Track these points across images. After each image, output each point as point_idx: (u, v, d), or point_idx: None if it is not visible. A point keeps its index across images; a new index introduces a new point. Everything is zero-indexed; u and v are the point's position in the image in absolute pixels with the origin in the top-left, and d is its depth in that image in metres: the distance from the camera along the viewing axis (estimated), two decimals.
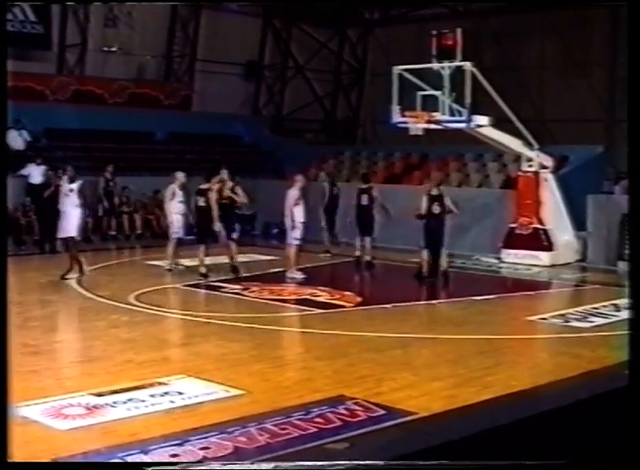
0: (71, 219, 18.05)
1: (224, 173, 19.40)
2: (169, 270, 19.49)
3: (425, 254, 18.97)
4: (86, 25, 31.29)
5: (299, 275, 18.66)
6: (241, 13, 34.33)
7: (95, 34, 31.60)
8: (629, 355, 6.19)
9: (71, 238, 18.18)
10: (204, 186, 18.83)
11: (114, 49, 31.88)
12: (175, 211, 19.87)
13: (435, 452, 6.42)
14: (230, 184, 19.20)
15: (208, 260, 19.03)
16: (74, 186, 18.13)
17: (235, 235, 19.35)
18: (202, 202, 18.73)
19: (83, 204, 18.36)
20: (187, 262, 19.83)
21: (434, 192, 19.03)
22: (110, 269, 20.44)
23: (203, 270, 18.70)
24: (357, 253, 21.51)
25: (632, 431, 5.79)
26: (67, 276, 17.97)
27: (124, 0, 31.00)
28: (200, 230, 19.01)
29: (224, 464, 7.30)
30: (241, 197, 19.34)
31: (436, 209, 18.71)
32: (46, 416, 8.93)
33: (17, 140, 27.10)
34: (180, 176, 20.00)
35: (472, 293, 17.51)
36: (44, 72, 30.61)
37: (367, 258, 21.23)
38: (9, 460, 5.44)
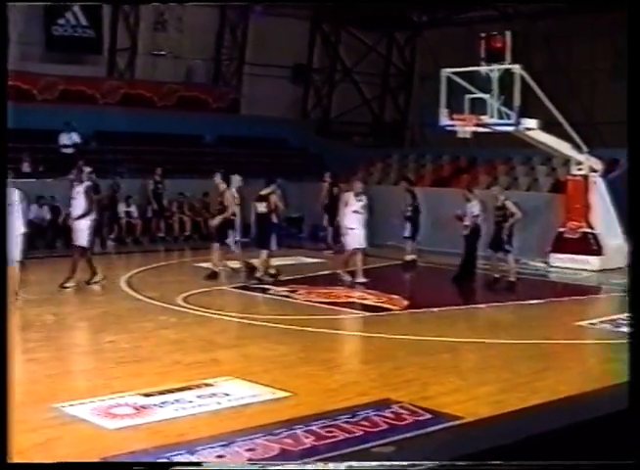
0: (80, 225, 17.67)
1: (217, 177, 19.36)
2: (235, 271, 19.45)
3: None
4: (136, 29, 31.52)
5: (347, 278, 18.66)
6: (289, 16, 34.38)
7: (145, 38, 31.82)
8: (630, 364, 6.13)
9: (82, 247, 17.69)
10: (264, 192, 18.85)
11: (163, 53, 32.07)
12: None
13: (483, 457, 6.39)
14: (223, 187, 19.12)
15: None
16: (81, 188, 17.77)
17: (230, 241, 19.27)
18: (262, 207, 18.74)
19: (90, 208, 17.81)
20: (235, 265, 19.91)
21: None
22: (158, 271, 20.56)
23: (272, 271, 18.98)
24: (408, 257, 21.59)
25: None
26: (92, 281, 17.66)
27: (171, 0, 31.16)
28: (260, 235, 19.02)
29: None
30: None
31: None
32: (95, 415, 9.00)
33: (67, 142, 27.34)
34: (236, 180, 20.09)
35: (520, 297, 17.43)
36: (95, 76, 30.88)
37: (413, 257, 21.40)
38: (9, 461, 5.47)
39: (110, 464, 7.18)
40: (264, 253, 18.78)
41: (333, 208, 24.14)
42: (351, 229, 18.72)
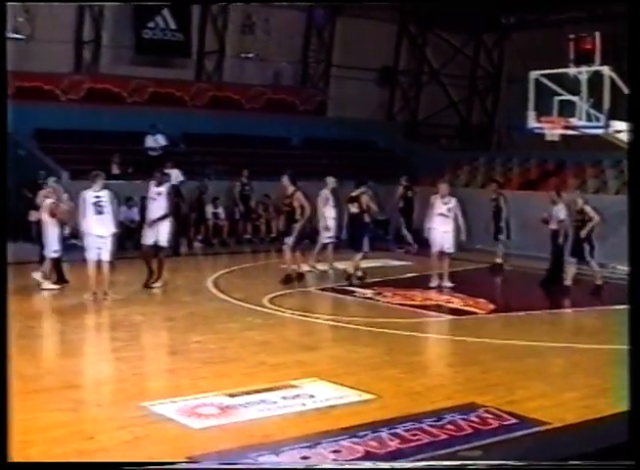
0: (160, 227, 17.65)
1: (285, 179, 18.86)
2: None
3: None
4: (224, 32, 31.79)
5: (436, 283, 18.54)
6: (376, 19, 34.36)
7: (233, 41, 32.06)
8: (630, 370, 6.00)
9: (160, 247, 17.74)
10: (355, 193, 18.90)
11: (251, 55, 32.30)
12: (330, 216, 20.11)
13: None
14: (291, 189, 18.76)
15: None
16: (162, 189, 17.85)
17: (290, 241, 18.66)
18: (354, 208, 18.81)
19: (172, 209, 17.97)
20: (322, 267, 20.06)
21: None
22: (244, 272, 20.69)
23: (359, 274, 19.01)
24: (498, 259, 21.51)
25: None
26: (152, 284, 17.59)
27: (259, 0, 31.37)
28: (353, 237, 19.09)
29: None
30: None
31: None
32: (181, 415, 9.10)
33: (152, 145, 27.65)
34: (331, 181, 20.23)
35: (608, 302, 17.19)
36: (183, 79, 31.23)
37: (500, 260, 21.29)
38: (9, 460, 5.53)
39: (100, 464, 7.24)
40: (359, 255, 18.80)
41: (408, 211, 24.45)
42: (437, 231, 18.64)
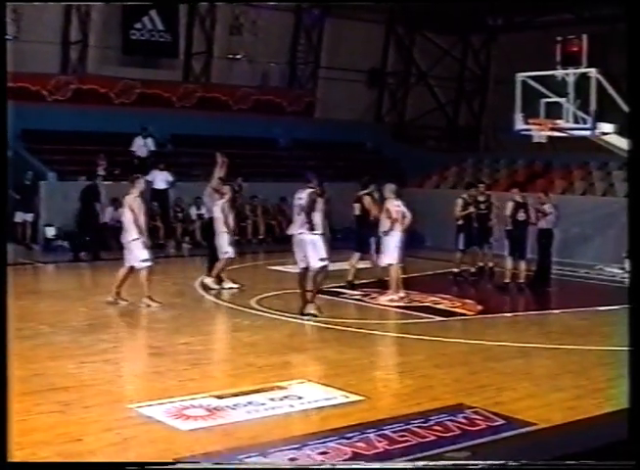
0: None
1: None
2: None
3: (509, 261, 19.32)
4: (212, 33, 31.81)
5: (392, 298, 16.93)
6: (364, 20, 34.40)
7: (220, 42, 32.08)
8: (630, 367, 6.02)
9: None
10: (360, 193, 18.57)
11: (238, 56, 32.30)
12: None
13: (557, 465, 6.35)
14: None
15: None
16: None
17: None
18: (357, 209, 18.48)
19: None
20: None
21: (520, 199, 19.28)
22: (232, 274, 20.64)
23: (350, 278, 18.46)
24: (488, 262, 21.41)
25: None
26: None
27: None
28: (358, 238, 18.94)
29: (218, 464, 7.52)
30: None
31: (521, 216, 18.82)
32: (168, 416, 9.08)
33: (141, 148, 27.60)
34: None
35: (595, 303, 17.23)
36: (171, 80, 31.22)
37: (490, 264, 21.16)
38: (9, 460, 5.52)
39: (104, 464, 7.24)
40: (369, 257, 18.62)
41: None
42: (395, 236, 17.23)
